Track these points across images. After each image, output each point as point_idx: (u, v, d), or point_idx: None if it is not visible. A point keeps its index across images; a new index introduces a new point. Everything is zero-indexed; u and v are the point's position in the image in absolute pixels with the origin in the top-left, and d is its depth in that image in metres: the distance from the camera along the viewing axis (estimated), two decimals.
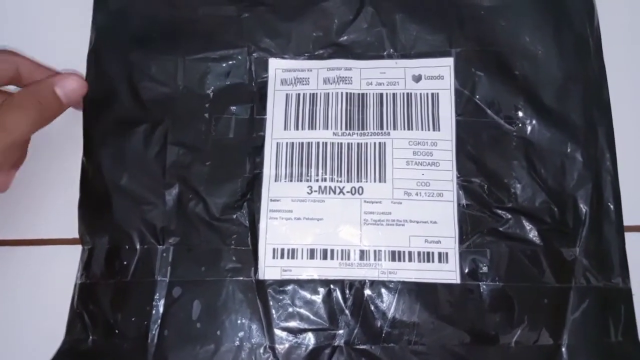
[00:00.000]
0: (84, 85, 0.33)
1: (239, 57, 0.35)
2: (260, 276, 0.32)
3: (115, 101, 0.34)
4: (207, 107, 0.34)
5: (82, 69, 0.35)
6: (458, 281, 0.32)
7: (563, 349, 0.31)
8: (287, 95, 0.35)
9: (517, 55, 0.34)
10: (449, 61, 0.35)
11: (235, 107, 0.34)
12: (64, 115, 0.35)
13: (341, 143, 0.34)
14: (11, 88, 0.34)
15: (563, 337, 0.31)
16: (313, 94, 0.35)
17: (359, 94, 0.35)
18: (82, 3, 0.36)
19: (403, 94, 0.35)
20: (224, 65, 0.35)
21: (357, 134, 0.34)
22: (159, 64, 0.34)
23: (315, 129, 0.34)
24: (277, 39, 0.35)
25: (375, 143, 0.34)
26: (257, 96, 0.35)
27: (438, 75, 0.35)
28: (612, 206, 0.33)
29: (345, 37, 0.35)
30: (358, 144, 0.34)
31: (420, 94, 0.34)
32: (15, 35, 0.37)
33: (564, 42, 0.35)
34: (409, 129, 0.34)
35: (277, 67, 0.35)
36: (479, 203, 0.33)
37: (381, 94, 0.35)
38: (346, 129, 0.34)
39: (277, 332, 0.31)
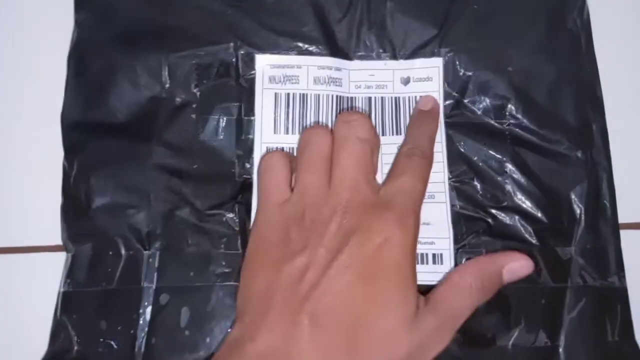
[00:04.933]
0: (529, 267, 0.29)
1: (226, 53, 0.34)
2: None
3: (97, 101, 0.33)
4: (194, 107, 0.33)
5: (63, 68, 0.34)
6: None
7: (560, 350, 0.30)
8: (275, 94, 0.34)
9: (508, 52, 0.34)
10: (438, 62, 0.34)
11: (222, 107, 0.33)
12: (43, 116, 0.34)
13: None
14: None
15: (560, 338, 0.30)
16: (303, 94, 0.34)
17: (348, 98, 0.34)
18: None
19: (391, 98, 0.34)
20: (210, 62, 0.34)
21: None
22: (143, 62, 0.33)
23: None
24: (265, 34, 0.34)
25: None
26: (245, 95, 0.34)
27: (427, 77, 0.34)
28: (608, 204, 0.32)
29: (335, 35, 0.34)
30: None
31: (409, 97, 0.34)
32: None
33: (556, 39, 0.34)
34: (397, 134, 0.33)
35: (264, 62, 0.34)
36: (472, 204, 0.32)
37: (370, 98, 0.34)
38: None
39: None
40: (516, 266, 0.28)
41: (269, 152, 0.32)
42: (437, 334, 0.26)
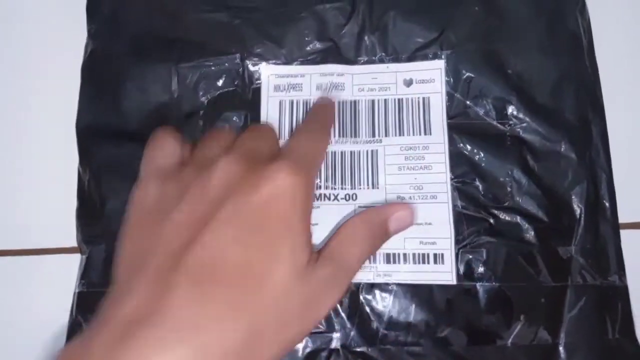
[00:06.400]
0: (412, 215, 0.30)
1: (232, 63, 0.35)
2: None
3: (109, 109, 0.34)
4: (202, 114, 0.34)
5: (76, 78, 0.35)
6: (454, 282, 0.32)
7: (561, 348, 0.30)
8: (280, 102, 0.35)
9: (509, 53, 0.34)
10: (440, 64, 0.35)
11: (229, 115, 0.34)
12: (59, 124, 0.35)
13: (335, 152, 0.34)
14: None
15: (560, 336, 0.31)
16: (306, 100, 0.35)
17: (351, 101, 0.35)
18: (76, 12, 0.36)
19: (394, 99, 0.35)
20: (218, 71, 0.35)
21: (350, 142, 0.34)
22: (153, 72, 0.35)
23: None
24: (270, 44, 0.35)
25: (367, 151, 0.34)
26: (251, 103, 0.35)
27: (429, 79, 0.35)
28: (607, 204, 0.32)
29: (338, 42, 0.35)
30: (351, 152, 0.34)
31: (412, 98, 0.35)
32: (9, 45, 0.37)
33: (557, 39, 0.34)
34: (400, 135, 0.34)
35: (270, 72, 0.35)
36: (474, 204, 0.33)
37: (373, 101, 0.35)
38: (339, 136, 0.34)
39: None
40: (400, 215, 0.29)
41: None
42: (330, 285, 0.25)
